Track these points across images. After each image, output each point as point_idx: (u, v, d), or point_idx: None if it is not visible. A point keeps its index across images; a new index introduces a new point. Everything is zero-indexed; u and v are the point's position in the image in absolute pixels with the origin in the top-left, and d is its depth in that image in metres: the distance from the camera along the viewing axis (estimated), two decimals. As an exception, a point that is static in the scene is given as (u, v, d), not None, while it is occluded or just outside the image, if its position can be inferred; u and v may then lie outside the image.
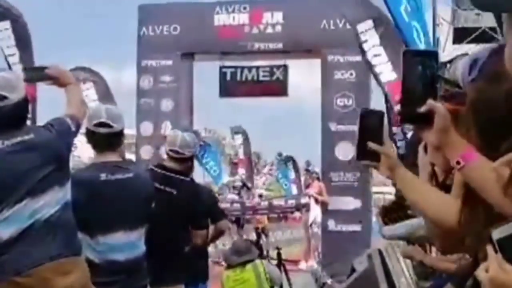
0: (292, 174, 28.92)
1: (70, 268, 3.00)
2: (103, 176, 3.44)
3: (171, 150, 4.39)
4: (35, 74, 3.40)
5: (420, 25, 7.36)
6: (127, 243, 3.44)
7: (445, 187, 1.97)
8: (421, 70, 1.53)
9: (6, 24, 9.03)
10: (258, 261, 5.57)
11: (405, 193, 1.84)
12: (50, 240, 2.96)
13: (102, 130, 3.49)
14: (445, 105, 1.85)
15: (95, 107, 3.90)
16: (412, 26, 6.41)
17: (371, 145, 1.77)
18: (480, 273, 1.32)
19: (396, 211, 2.74)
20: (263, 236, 12.49)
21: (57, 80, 3.40)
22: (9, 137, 2.99)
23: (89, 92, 13.09)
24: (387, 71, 8.68)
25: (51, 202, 2.99)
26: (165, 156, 4.60)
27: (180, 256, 4.31)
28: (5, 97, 3.01)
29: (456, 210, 1.69)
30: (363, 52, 8.81)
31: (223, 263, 7.32)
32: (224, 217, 5.36)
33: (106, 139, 3.51)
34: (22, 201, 2.92)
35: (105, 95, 13.13)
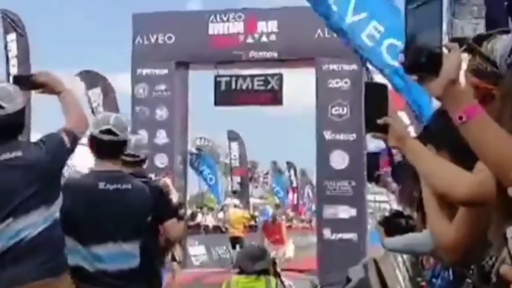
0: (293, 182, 29.04)
1: (54, 287, 2.93)
2: (101, 185, 3.37)
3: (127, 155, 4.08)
4: (23, 82, 3.24)
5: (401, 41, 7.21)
6: (120, 255, 3.37)
7: None
8: (424, 21, 1.44)
9: (13, 36, 9.53)
10: (272, 277, 5.45)
11: (415, 165, 1.80)
12: (33, 260, 2.89)
13: (106, 137, 3.41)
14: (476, 81, 1.81)
15: (103, 114, 3.84)
16: (380, 50, 5.99)
17: (379, 121, 1.80)
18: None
19: (396, 221, 2.74)
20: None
21: (47, 88, 3.28)
22: None
23: (94, 99, 13.18)
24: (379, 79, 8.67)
25: (35, 222, 2.91)
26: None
27: None
28: (0, 107, 2.97)
29: (468, 181, 1.65)
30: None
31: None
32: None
33: (109, 147, 3.43)
34: (4, 221, 2.85)
35: (110, 102, 13.20)
